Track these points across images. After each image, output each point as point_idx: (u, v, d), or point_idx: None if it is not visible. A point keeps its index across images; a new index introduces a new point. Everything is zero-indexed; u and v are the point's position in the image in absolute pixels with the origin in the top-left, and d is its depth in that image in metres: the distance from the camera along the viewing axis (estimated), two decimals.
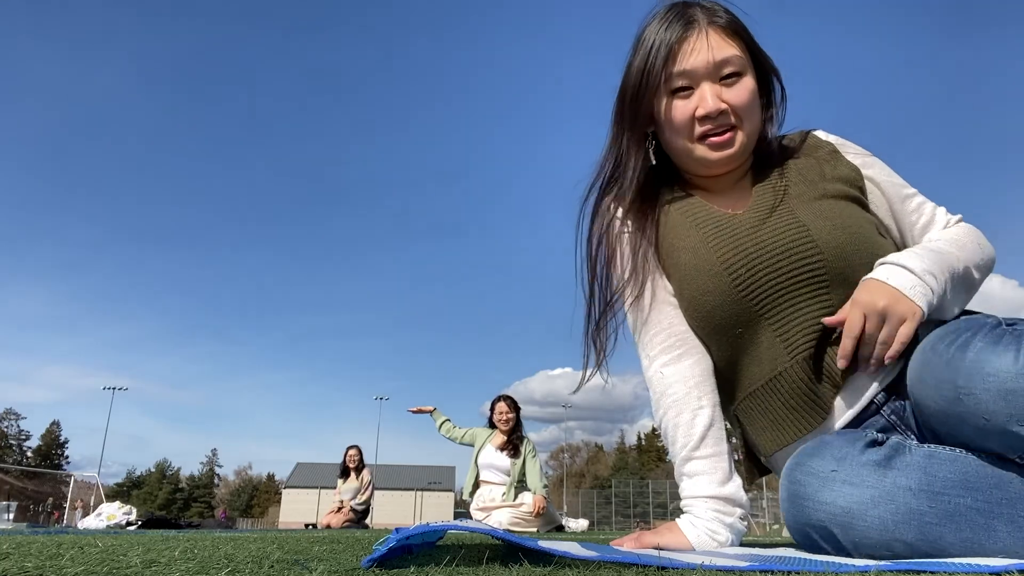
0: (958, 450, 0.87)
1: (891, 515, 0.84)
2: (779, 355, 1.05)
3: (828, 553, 0.91)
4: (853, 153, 1.18)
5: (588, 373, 1.23)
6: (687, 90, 1.11)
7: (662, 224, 1.18)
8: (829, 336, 1.03)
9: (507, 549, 0.95)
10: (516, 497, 4.97)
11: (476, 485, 5.20)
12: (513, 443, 5.17)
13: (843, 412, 1.03)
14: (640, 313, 1.17)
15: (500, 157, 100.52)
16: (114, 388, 44.89)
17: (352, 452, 7.78)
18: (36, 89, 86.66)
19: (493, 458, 5.14)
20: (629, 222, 1.20)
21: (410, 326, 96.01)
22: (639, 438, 69.36)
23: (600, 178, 1.24)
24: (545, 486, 5.14)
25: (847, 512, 0.87)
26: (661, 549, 0.97)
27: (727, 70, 1.10)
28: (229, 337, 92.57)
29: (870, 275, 1.01)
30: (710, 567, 0.70)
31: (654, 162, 1.19)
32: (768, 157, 1.19)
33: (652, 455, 66.02)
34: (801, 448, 0.99)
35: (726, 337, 1.10)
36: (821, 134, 1.23)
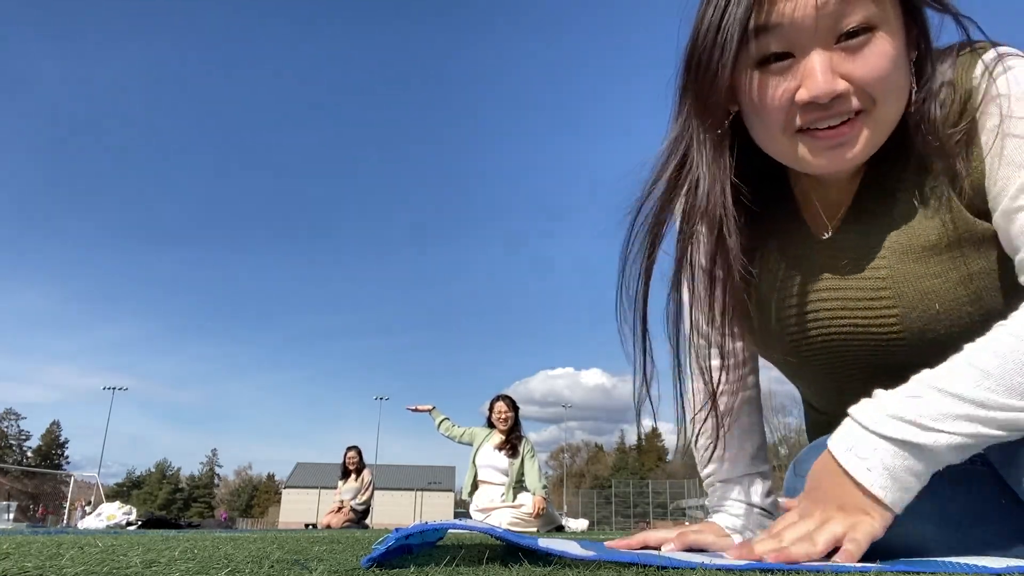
0: (978, 463, 0.78)
1: (893, 535, 0.75)
2: (832, 402, 0.92)
3: None
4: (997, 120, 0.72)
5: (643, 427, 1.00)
6: (785, 58, 0.73)
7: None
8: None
9: (507, 549, 0.95)
10: (515, 498, 4.97)
11: (475, 486, 5.20)
12: (511, 443, 5.18)
13: None
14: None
15: (501, 156, 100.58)
16: (114, 388, 45.02)
17: (351, 454, 7.81)
18: (36, 88, 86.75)
19: (492, 458, 5.15)
20: (701, 237, 0.86)
21: (410, 326, 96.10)
22: (639, 438, 69.38)
23: (658, 182, 0.86)
24: (544, 486, 5.15)
25: None
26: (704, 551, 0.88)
27: (849, 24, 0.70)
28: (229, 337, 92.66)
29: (830, 454, 0.73)
30: (710, 566, 0.70)
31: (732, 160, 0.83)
32: (907, 127, 0.77)
33: (652, 455, 66.03)
34: (812, 443, 0.94)
35: (784, 367, 0.98)
36: (989, 69, 0.74)
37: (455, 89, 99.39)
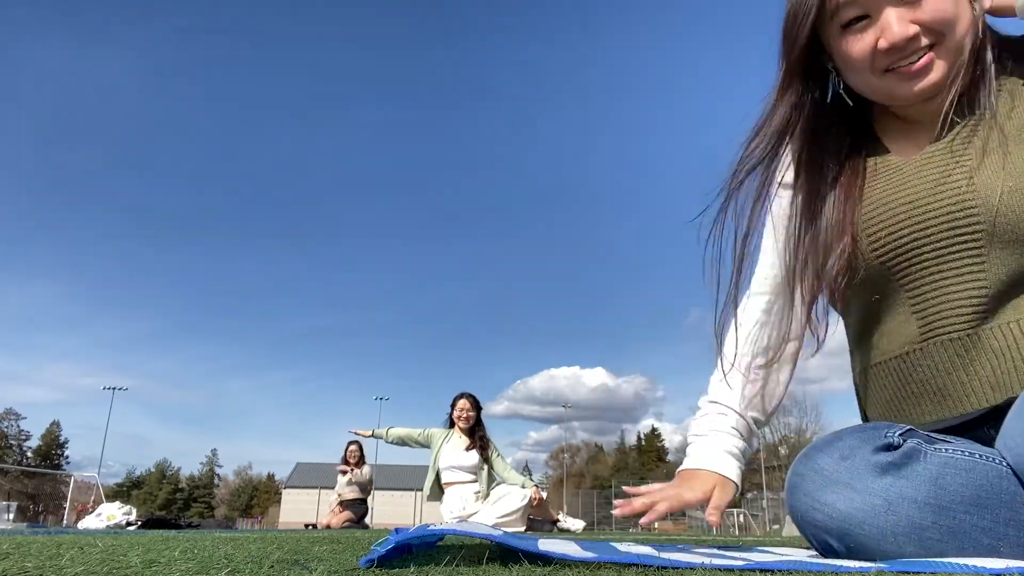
0: (976, 455, 0.81)
1: (891, 526, 0.79)
2: (911, 333, 0.93)
3: (823, 552, 0.90)
4: None
5: (726, 362, 1.11)
6: (862, 20, 0.91)
7: (821, 170, 1.03)
8: (973, 321, 0.88)
9: (507, 549, 0.95)
10: (492, 492, 4.89)
11: (440, 489, 5.09)
12: (479, 442, 5.09)
13: (955, 411, 0.91)
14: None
15: (503, 153, 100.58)
16: (114, 388, 44.92)
17: (352, 448, 7.99)
18: (36, 85, 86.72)
19: (458, 458, 5.03)
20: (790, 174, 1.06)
21: (411, 325, 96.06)
22: (639, 438, 69.41)
23: (761, 129, 1.03)
24: (540, 484, 5.13)
25: (846, 518, 0.81)
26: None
27: None
28: (229, 337, 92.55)
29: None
30: (709, 566, 0.71)
31: (837, 101, 1.00)
32: (994, 64, 0.93)
33: (652, 455, 66.02)
34: (814, 440, 0.94)
35: (859, 301, 1.00)
36: None
37: (453, 86, 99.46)
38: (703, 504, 1.03)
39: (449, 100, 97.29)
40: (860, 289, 0.98)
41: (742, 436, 1.11)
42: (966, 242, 0.88)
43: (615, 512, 1.02)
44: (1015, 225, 0.84)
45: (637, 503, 1.00)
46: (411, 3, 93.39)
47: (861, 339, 1.04)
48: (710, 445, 1.10)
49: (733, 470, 1.07)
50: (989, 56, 0.92)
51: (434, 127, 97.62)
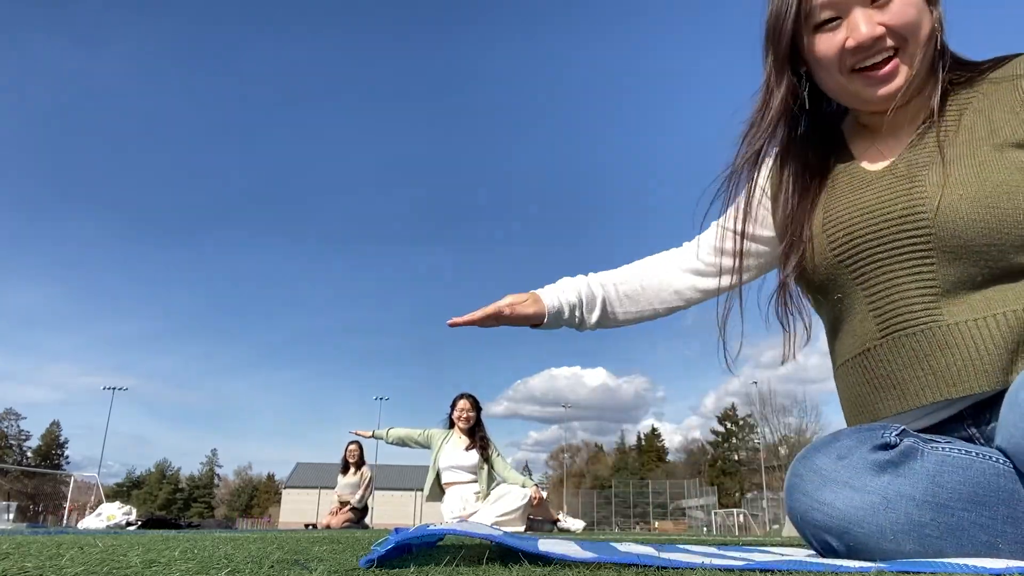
0: (972, 453, 0.83)
1: (890, 524, 0.80)
2: (870, 330, 0.97)
3: (822, 552, 0.90)
4: None
5: (792, 345, 1.12)
6: (834, 21, 0.98)
7: (796, 171, 1.11)
8: (927, 318, 0.91)
9: (507, 549, 0.95)
10: (491, 492, 4.90)
11: (440, 489, 5.08)
12: (480, 442, 5.08)
13: (928, 411, 0.94)
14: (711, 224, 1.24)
15: (503, 152, 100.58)
16: (114, 388, 44.88)
17: (352, 447, 8.03)
18: (35, 84, 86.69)
19: (457, 457, 5.02)
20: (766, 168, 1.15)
21: (411, 325, 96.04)
22: (639, 438, 69.38)
23: (752, 124, 1.11)
24: (536, 481, 5.11)
25: (845, 517, 0.83)
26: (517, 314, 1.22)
27: None
28: (230, 336, 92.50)
29: None
30: (709, 566, 0.71)
31: (807, 106, 1.08)
32: (958, 79, 1.01)
33: (652, 455, 66.02)
34: (813, 440, 0.97)
35: (826, 301, 1.05)
36: None
37: (455, 85, 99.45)
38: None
39: (450, 99, 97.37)
40: (824, 290, 1.04)
41: (576, 289, 1.27)
42: (916, 244, 0.92)
43: (448, 322, 1.20)
44: (962, 231, 0.89)
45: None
46: (405, 7, 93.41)
47: (832, 340, 1.08)
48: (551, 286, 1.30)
49: (548, 293, 1.27)
50: (942, 71, 1.00)
51: (432, 126, 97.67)
